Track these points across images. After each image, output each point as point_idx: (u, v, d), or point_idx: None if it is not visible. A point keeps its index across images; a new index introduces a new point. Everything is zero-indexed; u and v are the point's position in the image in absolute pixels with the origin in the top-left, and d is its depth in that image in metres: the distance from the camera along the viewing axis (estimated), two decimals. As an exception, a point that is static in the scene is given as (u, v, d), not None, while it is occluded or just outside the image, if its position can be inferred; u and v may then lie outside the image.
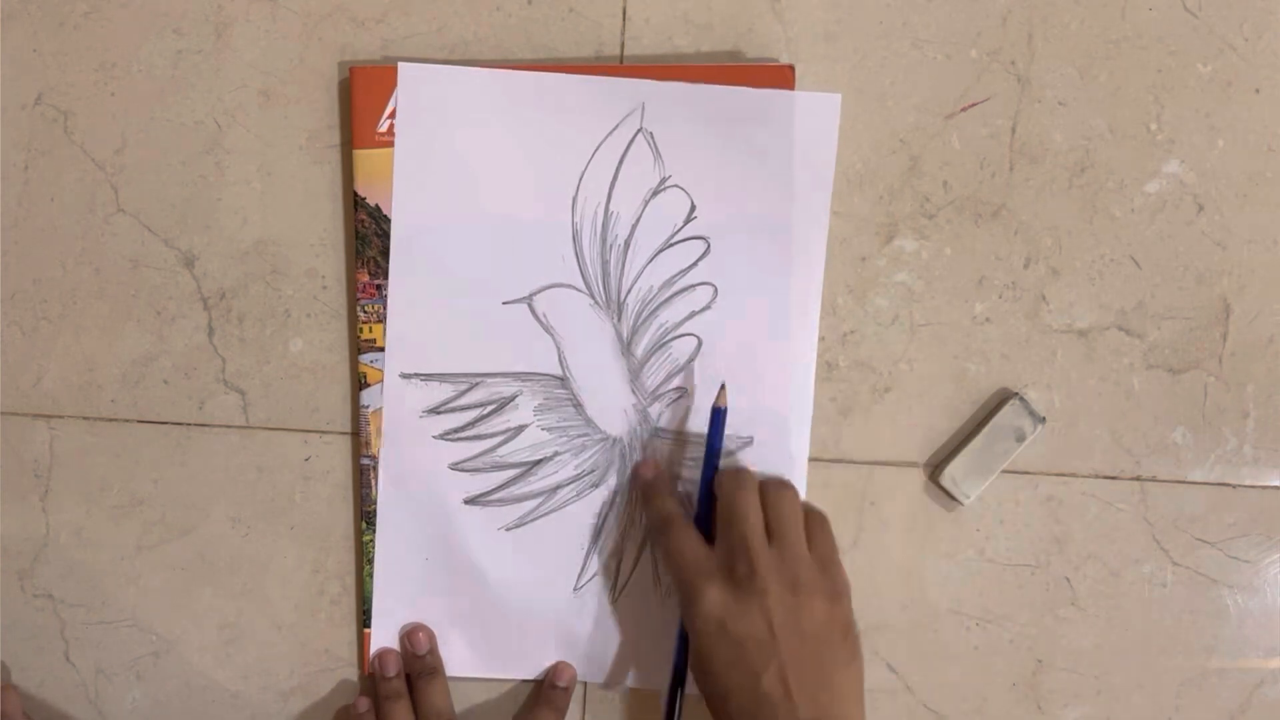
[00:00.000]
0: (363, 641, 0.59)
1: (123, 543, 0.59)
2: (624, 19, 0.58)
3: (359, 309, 0.57)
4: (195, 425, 0.59)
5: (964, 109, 0.58)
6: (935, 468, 0.58)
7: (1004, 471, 0.58)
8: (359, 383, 0.57)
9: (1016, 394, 0.58)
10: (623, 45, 0.58)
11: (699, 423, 0.57)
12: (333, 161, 0.58)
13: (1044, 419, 0.58)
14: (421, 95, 0.56)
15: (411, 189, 0.56)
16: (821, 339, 0.58)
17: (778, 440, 0.57)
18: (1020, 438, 0.57)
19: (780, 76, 0.56)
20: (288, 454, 0.59)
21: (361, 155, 0.57)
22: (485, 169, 0.57)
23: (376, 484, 0.57)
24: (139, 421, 0.59)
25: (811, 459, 0.58)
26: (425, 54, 0.58)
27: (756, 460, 0.57)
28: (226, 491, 0.59)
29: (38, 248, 0.58)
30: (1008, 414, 0.57)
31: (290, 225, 0.58)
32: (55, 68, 0.58)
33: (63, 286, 0.58)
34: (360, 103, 0.56)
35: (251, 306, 0.58)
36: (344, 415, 0.58)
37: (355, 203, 0.57)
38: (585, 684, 0.59)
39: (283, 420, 0.59)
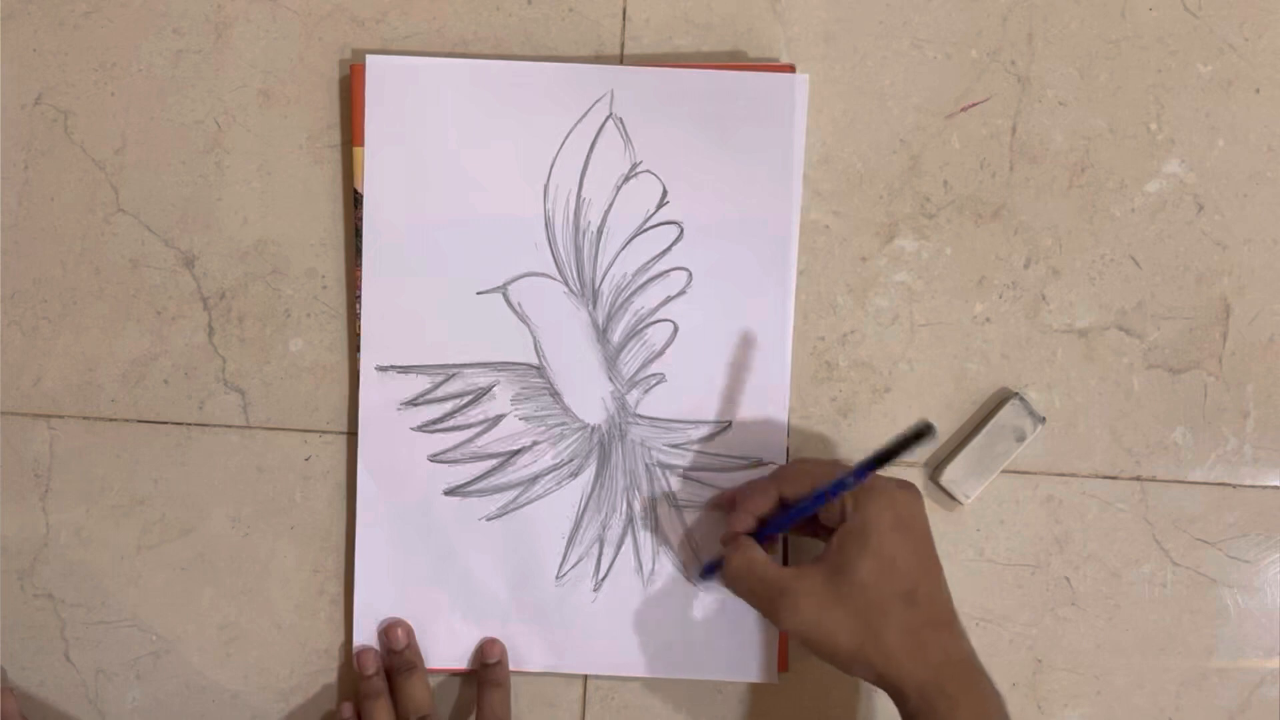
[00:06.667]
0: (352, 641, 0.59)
1: (123, 543, 0.59)
2: (624, 19, 0.58)
3: (358, 308, 0.57)
4: (195, 425, 0.59)
5: (964, 109, 0.58)
6: (935, 468, 0.58)
7: (1004, 471, 0.58)
8: (359, 382, 0.57)
9: (1016, 394, 0.58)
10: (623, 45, 0.58)
11: (676, 409, 0.57)
12: (333, 161, 0.58)
13: (1044, 419, 0.58)
14: (390, 87, 0.56)
15: (382, 181, 0.57)
16: (821, 339, 0.58)
17: (757, 424, 0.57)
18: (1020, 438, 0.57)
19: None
20: (288, 454, 0.59)
21: (362, 154, 0.57)
22: (455, 159, 0.57)
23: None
24: (139, 421, 0.59)
25: (812, 459, 0.58)
26: (424, 54, 0.58)
27: (735, 445, 0.57)
28: (226, 491, 0.59)
29: (38, 248, 0.58)
30: (1008, 414, 0.57)
31: (290, 225, 0.58)
32: (55, 68, 0.58)
33: (63, 286, 0.58)
34: (360, 101, 0.56)
35: (251, 306, 0.58)
36: (344, 415, 0.58)
37: (355, 201, 0.57)
38: (586, 683, 0.59)
39: (283, 420, 0.59)
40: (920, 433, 0.47)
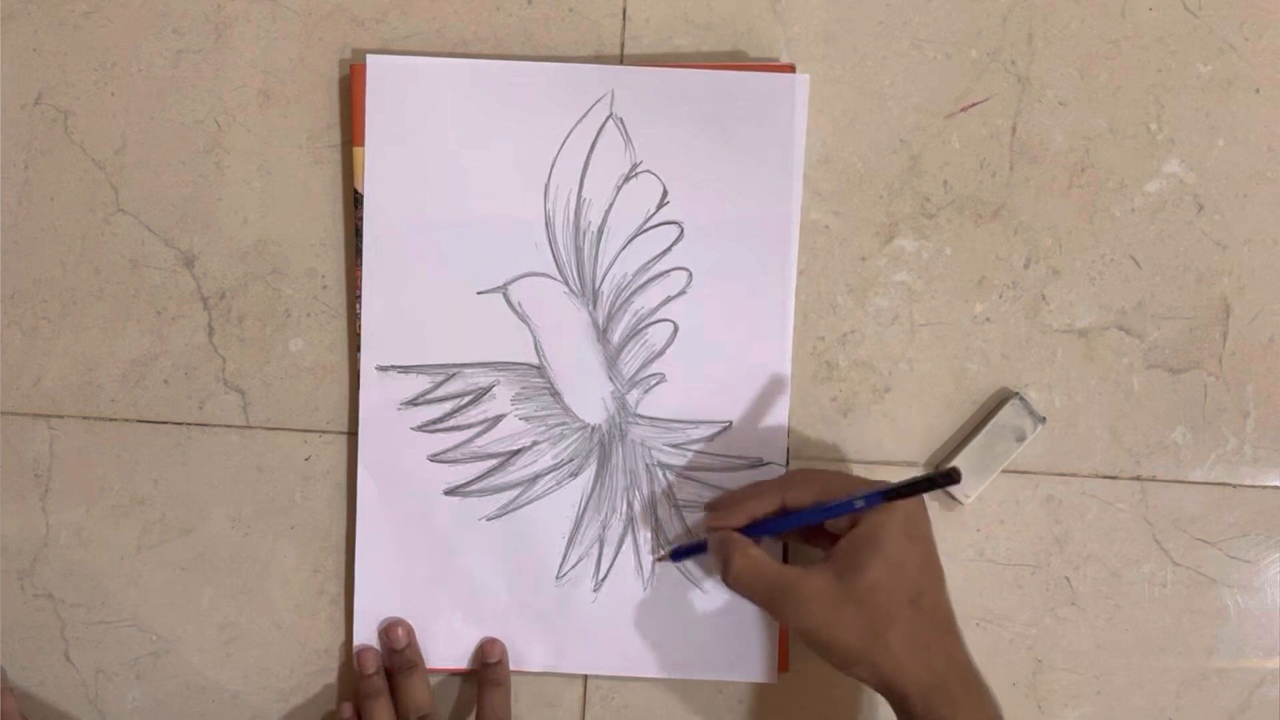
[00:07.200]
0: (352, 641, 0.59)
1: (123, 543, 0.59)
2: (624, 19, 0.58)
3: (358, 308, 0.57)
4: (195, 425, 0.59)
5: (964, 109, 0.58)
6: (935, 468, 0.58)
7: (1004, 471, 0.58)
8: (359, 382, 0.57)
9: (1016, 394, 0.58)
10: (623, 45, 0.58)
11: (677, 409, 0.57)
12: (333, 161, 0.58)
13: (1044, 419, 0.58)
14: (390, 87, 0.56)
15: (382, 181, 0.57)
16: (821, 339, 0.58)
17: (757, 424, 0.57)
18: (1020, 438, 0.57)
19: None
20: (288, 454, 0.59)
21: (362, 153, 0.57)
22: (455, 159, 0.57)
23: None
24: (139, 421, 0.59)
25: (812, 459, 0.58)
26: (424, 54, 0.58)
27: (735, 445, 0.57)
28: (226, 491, 0.59)
29: (38, 248, 0.58)
30: (1008, 414, 0.57)
31: (290, 225, 0.58)
32: (55, 68, 0.58)
33: (63, 286, 0.58)
34: (360, 101, 0.56)
35: (251, 306, 0.58)
36: (344, 415, 0.58)
37: (355, 202, 0.57)
38: (586, 683, 0.59)
39: (283, 420, 0.58)
40: (949, 477, 0.48)
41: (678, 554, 0.57)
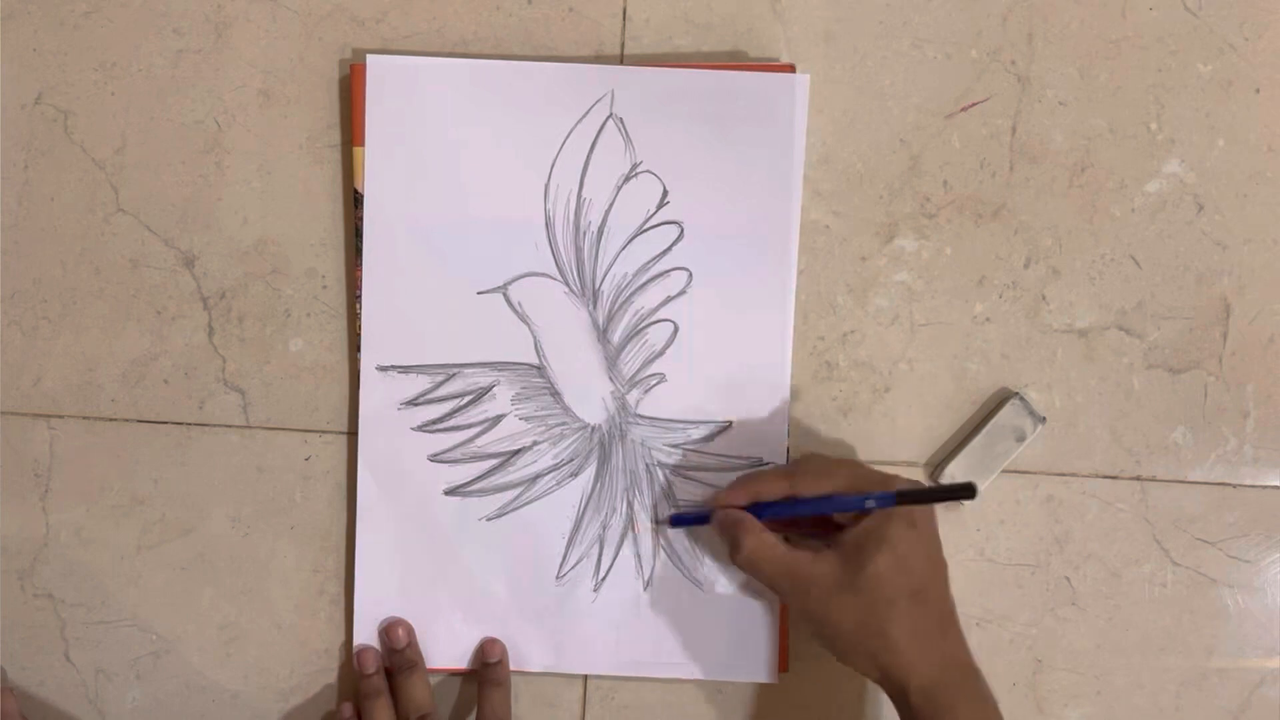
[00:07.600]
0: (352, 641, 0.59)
1: (123, 543, 0.59)
2: (624, 19, 0.58)
3: (358, 308, 0.57)
4: (195, 425, 0.59)
5: (964, 109, 0.58)
6: (935, 468, 0.58)
7: (1004, 471, 0.58)
8: (359, 382, 0.57)
9: (1016, 394, 0.58)
10: (623, 45, 0.58)
11: (677, 409, 0.57)
12: (333, 161, 0.58)
13: (1044, 419, 0.58)
14: (390, 87, 0.56)
15: (382, 181, 0.57)
16: (821, 339, 0.58)
17: (757, 424, 0.57)
18: (1020, 438, 0.57)
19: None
20: (288, 454, 0.59)
21: (362, 153, 0.57)
22: (456, 159, 0.57)
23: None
24: (139, 421, 0.59)
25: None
26: (424, 54, 0.58)
27: (735, 445, 0.57)
28: (226, 491, 0.59)
29: (38, 248, 0.58)
30: (1008, 414, 0.57)
31: (290, 225, 0.58)
32: (55, 68, 0.58)
33: (63, 286, 0.58)
34: (360, 101, 0.56)
35: (251, 306, 0.58)
36: (344, 415, 0.58)
37: (355, 201, 0.57)
38: (586, 683, 0.59)
39: (283, 420, 0.59)
40: (966, 491, 0.49)
41: (678, 520, 0.57)
